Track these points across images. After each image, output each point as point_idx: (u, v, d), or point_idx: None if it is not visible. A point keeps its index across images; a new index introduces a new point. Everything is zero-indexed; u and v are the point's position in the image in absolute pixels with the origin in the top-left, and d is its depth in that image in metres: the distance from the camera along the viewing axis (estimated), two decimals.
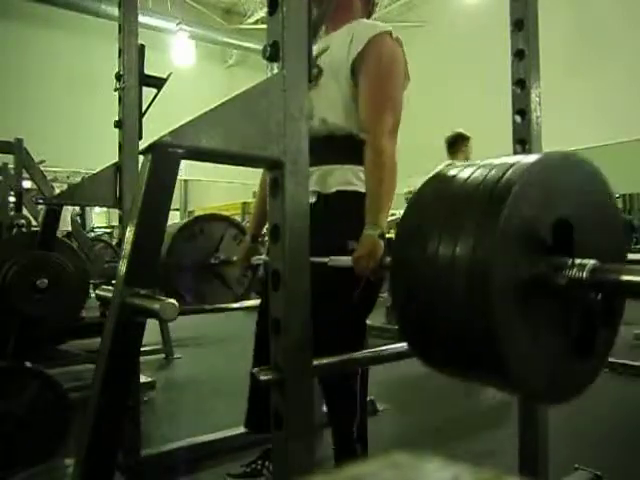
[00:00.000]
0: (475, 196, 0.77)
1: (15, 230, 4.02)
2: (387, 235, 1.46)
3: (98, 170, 2.12)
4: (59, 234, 2.72)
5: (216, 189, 15.56)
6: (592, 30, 8.97)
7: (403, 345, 1.13)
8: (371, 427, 1.66)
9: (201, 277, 2.15)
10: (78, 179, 9.21)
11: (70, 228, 4.26)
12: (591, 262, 0.77)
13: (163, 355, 3.83)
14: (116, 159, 2.08)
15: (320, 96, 1.52)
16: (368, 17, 1.74)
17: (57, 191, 5.08)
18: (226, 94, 0.96)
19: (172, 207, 1.08)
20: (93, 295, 2.51)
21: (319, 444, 1.74)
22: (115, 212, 2.47)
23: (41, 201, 2.85)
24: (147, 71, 2.04)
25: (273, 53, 0.99)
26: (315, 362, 1.04)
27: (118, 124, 2.04)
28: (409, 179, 1.64)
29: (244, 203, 9.43)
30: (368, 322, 1.61)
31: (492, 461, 1.98)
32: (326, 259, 1.28)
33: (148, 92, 2.07)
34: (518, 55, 1.54)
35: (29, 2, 10.00)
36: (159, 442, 2.15)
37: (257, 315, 1.75)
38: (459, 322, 0.76)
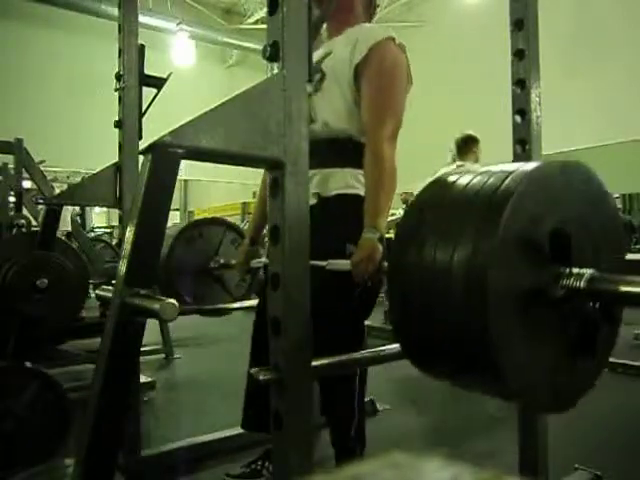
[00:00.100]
0: (474, 204, 0.77)
1: (15, 230, 4.02)
2: (387, 235, 1.47)
3: (98, 170, 2.12)
4: (59, 234, 2.72)
5: (216, 189, 15.56)
6: (592, 30, 8.97)
7: None
8: (371, 427, 1.66)
9: (200, 281, 2.15)
10: (78, 179, 9.21)
11: (70, 228, 4.26)
12: (589, 272, 0.77)
13: (163, 355, 3.83)
14: (116, 159, 2.08)
15: (323, 100, 1.53)
16: (369, 20, 1.74)
17: (57, 191, 5.08)
18: (226, 94, 0.96)
19: (172, 207, 1.08)
20: (93, 295, 2.52)
21: (318, 444, 1.74)
22: (115, 212, 2.47)
23: (41, 201, 2.86)
24: (147, 71, 2.04)
25: (273, 53, 0.99)
26: (314, 362, 1.04)
27: (118, 124, 2.04)
28: (412, 183, 1.64)
29: (244, 203, 9.42)
30: (368, 322, 1.61)
31: (492, 461, 1.98)
32: (324, 263, 1.28)
33: (148, 92, 2.07)
34: (518, 55, 1.54)
35: (29, 2, 9.99)
36: (159, 442, 2.15)
37: (255, 315, 1.75)
38: (455, 329, 0.75)
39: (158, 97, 2.10)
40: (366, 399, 2.57)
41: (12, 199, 4.39)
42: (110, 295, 1.02)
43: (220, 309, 2.18)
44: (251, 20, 13.12)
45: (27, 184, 4.58)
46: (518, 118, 1.56)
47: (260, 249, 1.91)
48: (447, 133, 4.43)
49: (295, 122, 0.99)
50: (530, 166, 0.79)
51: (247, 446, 1.99)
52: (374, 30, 1.58)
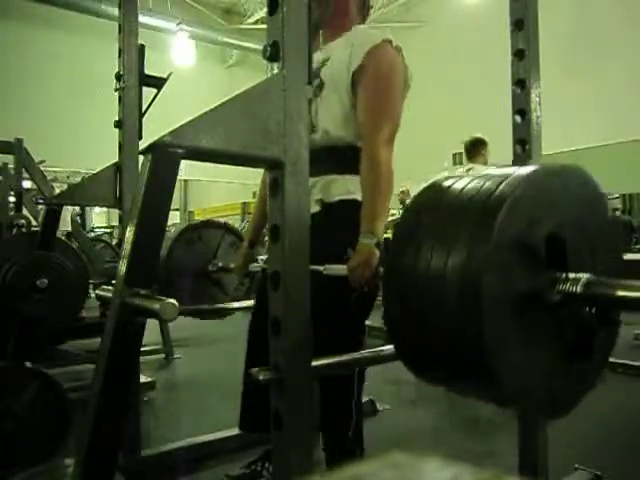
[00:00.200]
0: (469, 208, 0.76)
1: (15, 230, 4.02)
2: (385, 235, 1.46)
3: (98, 170, 2.12)
4: (59, 234, 2.72)
5: (216, 189, 15.56)
6: (592, 30, 8.97)
7: None
8: (371, 427, 1.66)
9: (199, 284, 2.14)
10: (78, 179, 9.21)
11: (70, 228, 4.26)
12: (585, 276, 0.76)
13: (163, 355, 3.83)
14: (116, 159, 2.08)
15: (322, 108, 1.52)
16: (363, 20, 1.73)
17: (57, 191, 5.08)
18: (226, 94, 0.96)
19: (172, 207, 1.08)
20: (93, 295, 2.52)
21: (318, 444, 1.74)
22: (115, 212, 2.47)
23: (41, 201, 2.86)
24: (147, 71, 2.04)
25: (273, 53, 0.99)
26: (314, 362, 1.04)
27: (118, 124, 2.04)
28: (407, 180, 1.64)
29: (244, 203, 9.42)
30: (368, 322, 1.61)
31: (492, 461, 1.98)
32: (322, 267, 1.28)
33: (148, 92, 2.07)
34: (518, 55, 1.54)
35: (29, 2, 10.00)
36: (159, 442, 2.15)
37: (251, 315, 1.75)
38: (450, 335, 0.75)
39: (158, 97, 2.10)
40: (366, 399, 2.58)
41: (12, 199, 4.39)
42: (110, 295, 1.02)
43: (220, 309, 2.18)
44: (251, 20, 13.13)
45: (27, 184, 4.58)
46: (518, 118, 1.56)
47: (260, 248, 1.90)
48: (446, 133, 4.45)
49: (295, 122, 0.99)
50: (526, 170, 0.78)
51: (247, 446, 1.99)
52: (370, 34, 1.57)
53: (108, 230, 11.50)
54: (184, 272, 2.12)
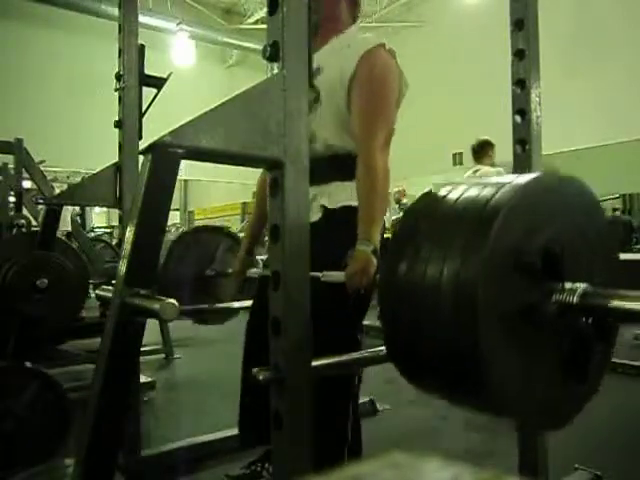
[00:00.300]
0: (464, 218, 0.76)
1: (15, 230, 4.02)
2: (385, 235, 1.46)
3: (98, 170, 2.12)
4: (59, 234, 2.72)
5: (216, 189, 15.57)
6: (592, 30, 8.97)
7: None
8: (371, 427, 1.67)
9: (197, 290, 2.12)
10: (78, 179, 9.21)
11: (70, 228, 4.26)
12: (581, 287, 0.76)
13: (163, 355, 3.83)
14: (116, 159, 2.08)
15: (320, 118, 1.51)
16: (354, 21, 1.71)
17: (57, 191, 5.08)
18: (226, 94, 0.96)
19: (172, 207, 1.08)
20: (93, 295, 2.52)
21: None
22: (115, 212, 2.48)
23: (41, 201, 2.86)
24: (147, 71, 2.04)
25: (273, 53, 0.99)
26: (314, 362, 1.04)
27: (118, 124, 2.04)
28: (403, 180, 1.64)
29: (244, 203, 9.43)
30: (368, 322, 1.61)
31: (492, 461, 1.98)
32: (319, 274, 1.27)
33: (148, 92, 2.07)
34: (518, 55, 1.54)
35: (29, 2, 10.00)
36: (159, 442, 2.15)
37: (249, 316, 1.75)
38: (445, 345, 0.74)
39: (158, 97, 2.10)
40: (366, 399, 2.58)
41: (12, 199, 4.39)
42: (110, 295, 1.02)
43: (220, 309, 2.18)
44: (251, 20, 13.13)
45: (27, 184, 4.58)
46: (518, 118, 1.56)
47: (260, 248, 1.90)
48: (446, 133, 4.45)
49: (295, 122, 0.99)
50: (522, 179, 0.78)
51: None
52: (363, 39, 1.56)
53: (108, 230, 11.51)
54: (181, 277, 2.10)
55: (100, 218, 17.07)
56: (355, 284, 1.31)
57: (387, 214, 1.62)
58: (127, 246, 0.95)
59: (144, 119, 2.05)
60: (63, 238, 3.08)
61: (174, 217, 15.26)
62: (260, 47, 1.04)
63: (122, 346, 0.95)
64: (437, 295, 0.73)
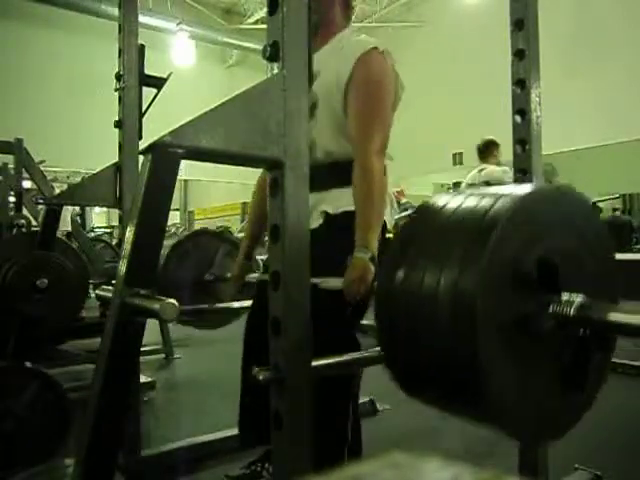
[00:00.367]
0: (462, 228, 0.76)
1: (15, 230, 4.02)
2: (388, 235, 1.46)
3: (98, 170, 2.12)
4: (59, 234, 2.72)
5: (216, 189, 15.57)
6: (592, 30, 8.97)
7: None
8: (371, 427, 1.66)
9: (196, 294, 2.12)
10: (78, 179, 9.22)
11: (70, 228, 4.26)
12: (578, 299, 0.76)
13: (163, 355, 3.83)
14: (116, 159, 2.08)
15: (319, 125, 1.51)
16: (348, 21, 1.71)
17: (57, 191, 5.08)
18: (226, 94, 0.96)
19: (172, 207, 1.08)
20: (93, 295, 2.52)
21: None
22: (115, 212, 2.47)
23: (41, 201, 2.86)
24: (147, 71, 2.04)
25: (273, 53, 0.99)
26: (314, 362, 1.04)
27: (118, 124, 2.04)
28: (401, 180, 1.63)
29: (244, 203, 9.43)
30: (368, 322, 1.61)
31: (492, 461, 1.98)
32: (318, 280, 1.27)
33: (148, 92, 2.07)
34: (518, 55, 1.54)
35: (29, 2, 9.99)
36: (159, 442, 2.15)
37: (248, 316, 1.75)
38: (442, 355, 0.74)
39: (158, 97, 2.10)
40: (366, 399, 2.58)
41: (12, 199, 4.39)
42: (110, 295, 1.02)
43: (219, 309, 2.18)
44: (251, 20, 13.12)
45: (27, 184, 4.58)
46: (518, 118, 1.56)
47: (260, 247, 1.90)
48: (446, 133, 4.45)
49: (295, 122, 0.99)
50: (521, 190, 0.78)
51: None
52: (358, 42, 1.56)
53: (108, 230, 11.51)
54: (180, 282, 2.10)
55: (100, 218, 17.07)
56: (353, 292, 1.31)
57: (388, 216, 1.61)
58: (127, 246, 0.95)
59: (144, 119, 2.05)
60: (63, 238, 3.08)
61: (174, 217, 15.27)
62: (260, 47, 1.04)
63: (122, 346, 0.95)
64: (434, 305, 0.73)
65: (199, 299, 2.14)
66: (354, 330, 1.56)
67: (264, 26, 1.06)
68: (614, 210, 8.14)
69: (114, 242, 6.75)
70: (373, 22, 12.49)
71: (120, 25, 2.04)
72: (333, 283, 1.30)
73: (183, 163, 0.92)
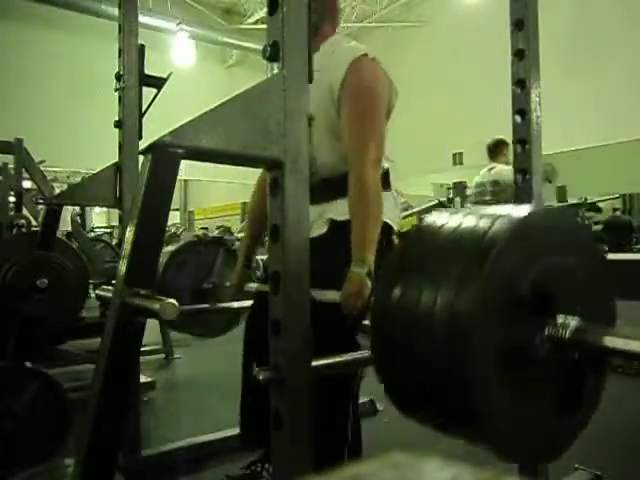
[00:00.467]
0: (460, 249, 0.76)
1: (15, 230, 4.02)
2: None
3: (98, 170, 2.12)
4: (59, 234, 2.72)
5: (216, 189, 15.57)
6: (592, 30, 8.97)
7: None
8: (371, 427, 1.66)
9: (195, 302, 2.11)
10: (78, 179, 9.22)
11: (70, 228, 4.26)
12: (574, 322, 0.76)
13: (163, 355, 3.83)
14: (116, 159, 2.08)
15: (317, 141, 1.50)
16: (335, 23, 1.68)
17: (57, 191, 5.08)
18: (226, 94, 0.96)
19: (172, 207, 1.08)
20: (93, 295, 2.52)
21: None
22: (115, 212, 2.47)
23: (41, 201, 2.86)
24: (147, 71, 2.04)
25: (273, 53, 0.99)
26: (314, 362, 1.04)
27: (118, 124, 2.04)
28: (399, 181, 1.63)
29: (244, 203, 9.43)
30: (368, 322, 1.61)
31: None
32: (315, 293, 1.27)
33: (148, 92, 2.07)
34: (518, 55, 1.54)
35: (29, 2, 9.99)
36: (159, 442, 2.15)
37: (247, 317, 1.75)
38: (437, 376, 0.75)
39: (158, 97, 2.10)
40: (366, 399, 2.58)
41: (12, 199, 4.39)
42: (110, 295, 1.02)
43: (218, 309, 2.17)
44: (251, 20, 13.13)
45: (27, 184, 4.58)
46: (518, 118, 1.56)
47: (261, 248, 1.90)
48: (446, 133, 4.45)
49: (295, 122, 0.99)
50: (518, 213, 0.78)
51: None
52: (349, 49, 1.54)
53: (108, 230, 11.50)
54: (180, 290, 2.08)
55: (100, 218, 17.07)
56: (350, 307, 1.31)
57: (394, 216, 1.60)
58: (127, 246, 0.95)
59: (144, 119, 2.05)
60: (63, 238, 3.08)
61: (174, 217, 15.26)
62: (260, 47, 1.04)
63: (122, 346, 0.95)
64: (430, 325, 0.73)
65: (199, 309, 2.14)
66: (355, 331, 1.56)
67: (264, 26, 1.06)
68: (614, 210, 8.14)
69: (114, 242, 6.74)
70: (373, 22, 12.49)
71: (120, 25, 2.05)
72: (331, 296, 1.30)
73: (183, 163, 0.92)
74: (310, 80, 1.02)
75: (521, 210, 0.79)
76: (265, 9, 1.04)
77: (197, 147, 0.90)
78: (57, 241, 2.50)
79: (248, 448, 1.74)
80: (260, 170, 1.60)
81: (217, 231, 11.82)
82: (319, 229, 1.53)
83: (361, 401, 2.21)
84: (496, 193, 3.88)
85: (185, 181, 15.61)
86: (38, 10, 10.44)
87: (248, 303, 1.85)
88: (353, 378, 1.58)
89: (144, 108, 2.05)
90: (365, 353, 1.38)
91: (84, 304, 2.76)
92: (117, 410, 0.98)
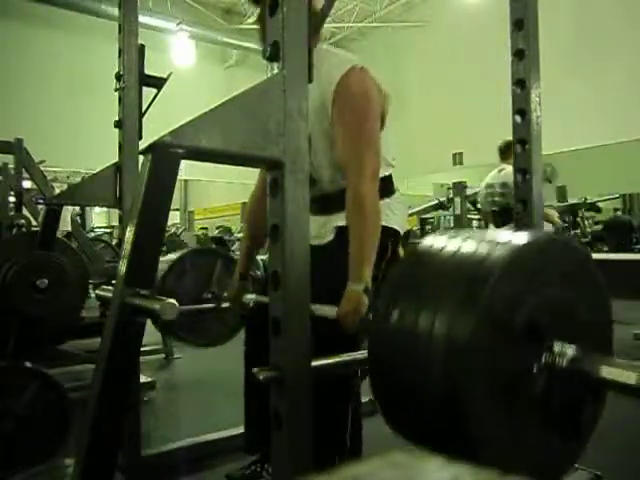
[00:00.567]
0: (458, 275, 0.76)
1: (15, 230, 4.02)
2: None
3: (98, 170, 2.12)
4: (59, 234, 2.72)
5: (216, 189, 15.57)
6: (592, 30, 8.97)
7: None
8: (371, 427, 1.66)
9: (195, 312, 2.11)
10: (78, 179, 9.23)
11: (70, 228, 4.26)
12: (570, 351, 0.76)
13: (163, 355, 3.83)
14: (116, 159, 2.08)
15: (317, 156, 1.49)
16: (318, 30, 1.67)
17: (57, 191, 5.08)
18: (226, 94, 0.96)
19: (172, 207, 1.08)
20: (93, 295, 2.52)
21: None
22: (115, 212, 2.47)
23: (41, 201, 2.86)
24: (147, 71, 2.04)
25: (273, 53, 0.99)
26: (314, 362, 1.04)
27: (118, 124, 2.04)
28: (400, 182, 1.62)
29: (244, 203, 9.43)
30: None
31: None
32: (312, 307, 1.27)
33: (148, 92, 2.07)
34: (518, 55, 1.54)
35: (29, 2, 9.99)
36: (159, 442, 2.15)
37: (248, 319, 1.75)
38: (432, 401, 0.75)
39: (158, 97, 2.10)
40: (366, 399, 2.58)
41: (12, 199, 4.39)
42: (110, 295, 1.02)
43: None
44: (251, 20, 13.09)
45: (27, 184, 4.58)
46: (518, 118, 1.56)
47: (260, 248, 1.89)
48: (446, 133, 4.44)
49: (295, 122, 0.99)
50: (517, 240, 0.78)
51: None
52: (338, 64, 1.50)
53: (108, 230, 11.51)
54: (178, 300, 2.08)
55: (100, 218, 17.09)
56: (347, 323, 1.31)
57: (400, 220, 1.60)
58: (127, 246, 0.95)
59: (144, 119, 2.05)
60: (63, 238, 3.08)
61: (174, 217, 15.27)
62: (260, 47, 1.04)
63: (122, 346, 0.95)
64: (428, 352, 0.73)
65: (199, 318, 2.14)
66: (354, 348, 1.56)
67: None
68: (614, 210, 8.14)
69: (114, 242, 6.75)
70: (373, 22, 12.49)
71: (120, 25, 2.04)
72: (328, 312, 1.30)
73: (183, 163, 0.92)
74: (310, 80, 1.02)
75: (520, 237, 0.79)
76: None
77: (197, 147, 0.90)
78: (57, 241, 2.49)
79: (251, 451, 1.74)
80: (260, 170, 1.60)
81: (217, 231, 11.85)
82: (326, 237, 1.54)
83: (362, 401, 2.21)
84: (505, 195, 3.87)
85: (185, 181, 15.62)
86: (38, 10, 10.44)
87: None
88: (354, 378, 1.58)
89: (144, 108, 2.05)
90: (365, 353, 1.38)
91: (84, 304, 2.76)
92: (117, 410, 0.98)
